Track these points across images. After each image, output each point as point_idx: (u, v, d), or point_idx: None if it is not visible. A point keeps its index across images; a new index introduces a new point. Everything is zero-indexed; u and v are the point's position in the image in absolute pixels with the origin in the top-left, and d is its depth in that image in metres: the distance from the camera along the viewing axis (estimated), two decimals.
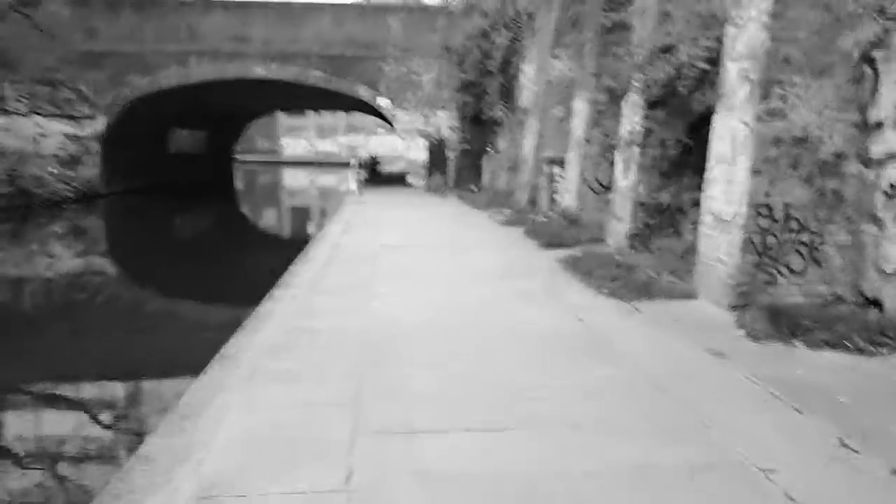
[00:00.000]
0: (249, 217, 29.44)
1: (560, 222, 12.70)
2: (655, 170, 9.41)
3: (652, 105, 9.21)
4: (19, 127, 24.62)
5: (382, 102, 26.09)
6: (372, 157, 45.42)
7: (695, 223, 9.47)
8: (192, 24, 25.06)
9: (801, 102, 6.50)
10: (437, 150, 25.55)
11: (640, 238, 9.47)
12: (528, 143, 17.45)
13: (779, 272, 6.72)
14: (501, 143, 21.95)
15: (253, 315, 7.03)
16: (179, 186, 33.50)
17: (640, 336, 6.12)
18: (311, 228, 24.91)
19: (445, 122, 25.70)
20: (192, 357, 6.59)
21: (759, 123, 6.56)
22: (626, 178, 9.79)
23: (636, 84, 9.63)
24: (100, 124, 25.24)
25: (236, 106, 35.37)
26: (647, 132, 9.38)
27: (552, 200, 15.22)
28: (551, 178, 15.26)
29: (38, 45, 23.60)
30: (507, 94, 20.95)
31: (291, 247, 13.70)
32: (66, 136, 25.06)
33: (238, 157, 73.65)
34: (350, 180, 25.39)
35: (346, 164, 27.49)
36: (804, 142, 6.55)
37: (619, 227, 9.95)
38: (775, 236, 6.66)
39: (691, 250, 9.35)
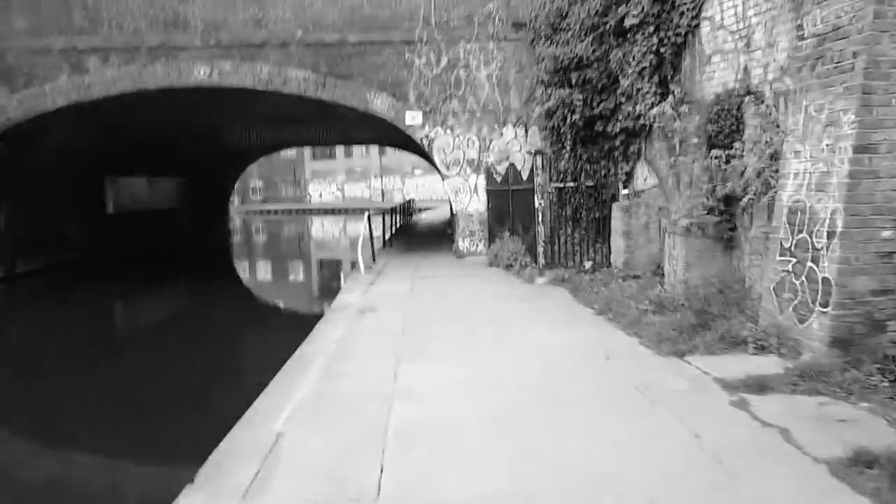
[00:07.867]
0: (231, 298, 18.46)
1: None
2: None
3: None
4: None
5: (411, 119, 15.51)
6: (404, 203, 35.08)
7: None
8: (92, 2, 15.00)
9: None
10: (505, 194, 14.77)
11: None
12: (803, 170, 6.45)
13: None
14: (645, 176, 11.03)
15: None
16: (133, 256, 23.42)
17: None
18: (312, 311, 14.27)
19: (520, 145, 14.95)
20: None
21: None
22: None
23: None
24: None
25: (207, 138, 25.26)
26: None
27: None
28: None
29: None
30: (668, 72, 10.14)
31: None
32: None
33: (257, 207, 66.28)
34: (358, 253, 14.59)
35: (378, 212, 16.86)
36: None
37: None
38: None
39: None
